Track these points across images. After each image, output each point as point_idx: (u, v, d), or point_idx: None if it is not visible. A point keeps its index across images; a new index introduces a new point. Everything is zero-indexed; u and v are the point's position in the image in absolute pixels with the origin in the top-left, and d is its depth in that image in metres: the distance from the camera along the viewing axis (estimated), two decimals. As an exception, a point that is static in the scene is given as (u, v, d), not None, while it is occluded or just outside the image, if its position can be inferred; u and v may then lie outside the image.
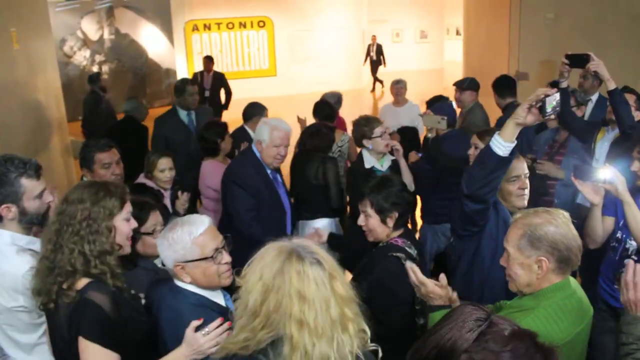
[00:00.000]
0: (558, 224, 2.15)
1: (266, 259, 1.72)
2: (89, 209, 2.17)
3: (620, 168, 2.93)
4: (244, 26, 18.12)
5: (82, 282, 2.13)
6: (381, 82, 18.43)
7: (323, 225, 4.39)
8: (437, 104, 5.14)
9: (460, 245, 2.96)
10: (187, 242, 2.18)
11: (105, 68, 15.49)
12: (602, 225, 3.16)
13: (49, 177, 6.25)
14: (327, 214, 4.61)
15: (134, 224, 2.36)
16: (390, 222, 2.85)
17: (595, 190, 2.98)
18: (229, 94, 10.28)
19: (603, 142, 4.54)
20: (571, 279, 2.24)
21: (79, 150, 3.62)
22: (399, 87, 6.92)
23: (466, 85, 5.60)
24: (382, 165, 4.29)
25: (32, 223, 2.49)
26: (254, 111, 5.59)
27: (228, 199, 3.85)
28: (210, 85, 10.11)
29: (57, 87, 8.29)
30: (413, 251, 2.81)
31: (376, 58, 18.76)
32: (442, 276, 2.33)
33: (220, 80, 10.29)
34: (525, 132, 3.23)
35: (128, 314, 2.17)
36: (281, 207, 4.03)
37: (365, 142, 4.23)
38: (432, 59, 22.59)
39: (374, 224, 2.87)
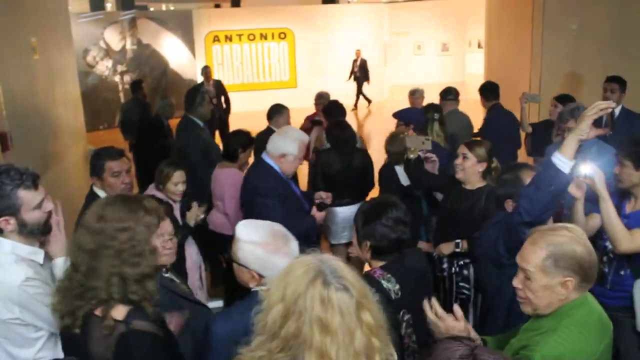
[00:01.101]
0: (580, 241, 2.06)
1: (290, 277, 1.59)
2: (133, 228, 1.98)
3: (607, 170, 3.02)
4: (265, 38, 18.19)
5: (120, 310, 1.94)
6: (368, 100, 17.69)
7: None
8: (404, 109, 5.16)
9: (501, 276, 2.73)
10: None
11: (126, 78, 15.62)
12: (585, 220, 3.15)
13: (65, 186, 6.29)
14: (355, 199, 4.87)
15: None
16: (365, 252, 2.64)
17: (577, 185, 3.00)
18: (228, 100, 10.95)
19: None
20: (587, 293, 2.14)
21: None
22: (415, 98, 6.87)
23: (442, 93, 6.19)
24: None
25: (32, 233, 2.42)
26: (276, 112, 5.80)
27: (259, 213, 3.64)
28: (213, 94, 10.49)
29: (76, 97, 8.36)
30: (392, 285, 2.51)
31: (360, 74, 17.47)
32: (457, 308, 2.21)
33: (219, 88, 10.84)
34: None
35: (169, 338, 2.05)
36: (304, 210, 4.00)
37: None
38: (453, 72, 22.40)
39: (354, 243, 2.73)
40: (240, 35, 17.93)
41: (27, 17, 6.05)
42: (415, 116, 5.03)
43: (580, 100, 6.86)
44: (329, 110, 5.77)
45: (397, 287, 2.52)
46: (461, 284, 3.68)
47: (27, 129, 5.57)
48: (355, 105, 17.43)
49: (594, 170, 2.92)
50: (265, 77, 18.44)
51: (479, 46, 22.78)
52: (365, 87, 17.64)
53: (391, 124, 5.39)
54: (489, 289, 2.97)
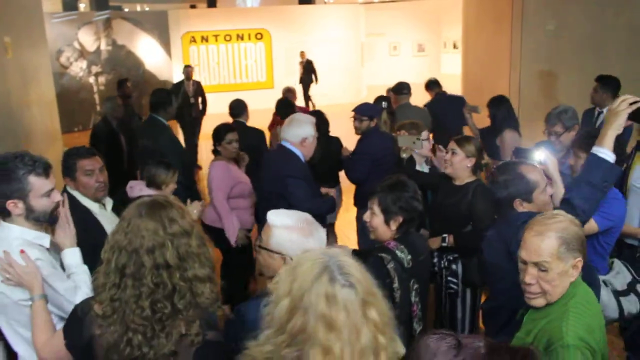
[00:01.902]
0: (575, 222, 2.18)
1: (298, 271, 1.57)
2: (163, 245, 1.86)
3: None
4: (242, 38, 18.11)
5: (190, 324, 1.88)
6: (312, 103, 16.75)
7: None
8: (363, 104, 5.27)
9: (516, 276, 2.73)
10: None
11: (101, 79, 15.43)
12: None
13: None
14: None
15: None
16: (394, 225, 2.80)
17: None
18: (205, 101, 10.96)
19: None
20: None
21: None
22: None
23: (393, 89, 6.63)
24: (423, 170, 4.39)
25: (38, 220, 2.50)
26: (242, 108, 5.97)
27: (292, 194, 3.85)
28: (192, 93, 10.72)
29: (51, 98, 8.21)
30: (405, 255, 2.71)
31: (305, 76, 16.68)
32: None
33: (198, 89, 10.92)
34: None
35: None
36: (319, 192, 4.21)
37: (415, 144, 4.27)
38: (429, 72, 22.45)
39: (378, 223, 2.83)
40: (216, 36, 17.83)
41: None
42: (375, 110, 5.17)
43: (559, 100, 7.00)
44: (277, 108, 6.11)
45: (409, 257, 2.72)
46: (449, 278, 3.71)
47: (0, 129, 5.45)
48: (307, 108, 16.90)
49: (547, 157, 3.09)
50: (242, 78, 18.36)
51: (454, 47, 23.02)
52: (344, 86, 17.64)
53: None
54: (497, 288, 2.95)
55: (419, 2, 23.95)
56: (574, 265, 2.14)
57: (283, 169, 3.96)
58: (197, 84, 11.03)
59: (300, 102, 7.61)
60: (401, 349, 1.64)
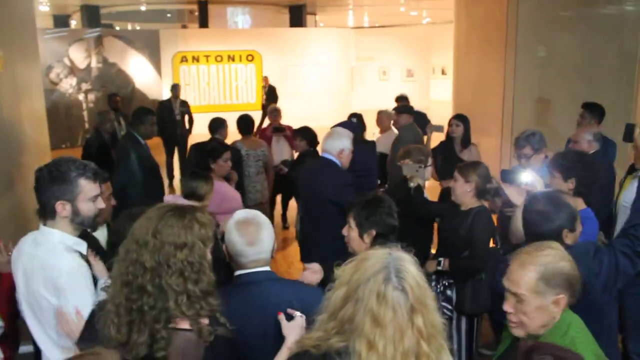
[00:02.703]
0: (565, 257, 2.13)
1: (362, 264, 1.70)
2: (191, 244, 1.95)
3: None
4: (233, 59, 18.17)
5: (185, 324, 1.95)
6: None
7: None
8: (341, 123, 5.56)
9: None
10: None
11: (91, 97, 15.37)
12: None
13: (31, 203, 6.06)
14: None
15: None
16: (367, 239, 2.95)
17: (519, 192, 3.31)
18: (191, 120, 11.28)
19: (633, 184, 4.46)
20: None
21: None
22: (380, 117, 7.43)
23: (401, 109, 6.72)
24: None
25: (82, 224, 2.53)
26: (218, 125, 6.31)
27: (348, 200, 3.81)
28: (178, 111, 11.03)
29: (41, 114, 8.15)
30: None
31: (267, 102, 15.70)
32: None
33: (184, 108, 11.20)
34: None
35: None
36: None
37: (420, 170, 4.35)
38: (418, 98, 22.66)
39: (353, 236, 3.00)
40: (207, 57, 17.87)
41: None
42: (352, 128, 5.29)
43: (551, 125, 7.07)
44: (238, 122, 6.41)
45: None
46: (443, 303, 3.68)
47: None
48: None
49: (534, 178, 3.25)
50: (232, 99, 18.37)
51: (443, 73, 23.27)
52: (333, 109, 17.64)
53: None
54: None
55: (409, 28, 24.23)
56: (555, 302, 2.09)
57: (338, 179, 4.21)
58: (183, 103, 11.30)
59: (317, 121, 7.77)
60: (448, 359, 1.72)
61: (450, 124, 5.93)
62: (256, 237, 2.34)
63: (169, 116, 10.75)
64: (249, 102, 18.38)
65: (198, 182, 4.08)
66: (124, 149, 5.36)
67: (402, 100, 9.85)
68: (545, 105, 7.16)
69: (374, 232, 2.93)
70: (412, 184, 4.30)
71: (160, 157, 6.40)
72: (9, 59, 6.27)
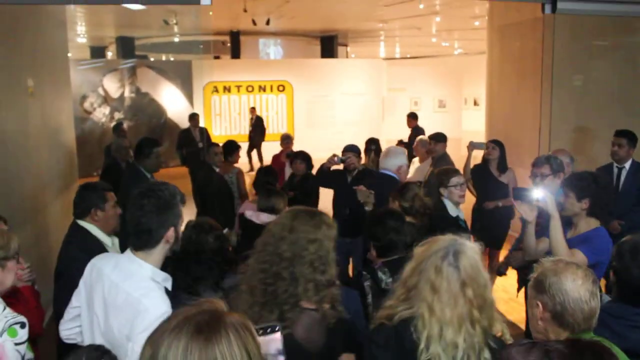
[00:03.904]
0: (567, 278, 2.12)
1: (431, 244, 2.11)
2: (320, 240, 2.28)
3: None
4: (264, 90, 18.26)
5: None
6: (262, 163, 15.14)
7: None
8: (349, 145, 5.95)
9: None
10: None
11: (125, 129, 15.56)
12: (535, 242, 3.62)
13: (56, 231, 6.04)
14: None
15: None
16: (371, 248, 3.40)
17: (530, 209, 3.47)
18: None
19: None
20: None
21: (78, 200, 3.49)
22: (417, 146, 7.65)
23: (432, 137, 6.88)
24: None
25: (172, 251, 2.47)
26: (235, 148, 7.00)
27: None
28: (199, 139, 11.29)
29: (71, 143, 8.20)
30: (386, 277, 3.15)
31: (254, 134, 15.62)
32: None
33: (204, 135, 11.45)
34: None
35: None
36: None
37: (441, 190, 4.47)
38: (450, 128, 22.44)
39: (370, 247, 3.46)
40: (238, 87, 18.00)
41: (24, 58, 5.93)
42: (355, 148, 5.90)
43: (589, 155, 6.87)
44: (224, 147, 6.91)
45: (390, 280, 3.08)
46: None
47: (15, 170, 5.37)
48: (251, 167, 15.15)
49: (545, 194, 3.38)
50: (263, 129, 18.41)
51: (475, 104, 23.06)
52: (363, 139, 17.59)
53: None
54: None
55: (440, 59, 24.15)
56: (536, 306, 2.17)
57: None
58: (202, 131, 11.57)
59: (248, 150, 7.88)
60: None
61: (487, 147, 6.14)
62: None
63: (191, 145, 10.97)
64: (279, 132, 18.39)
65: (276, 199, 4.39)
66: (126, 186, 5.04)
67: (413, 117, 11.91)
68: (583, 135, 6.97)
69: (371, 243, 3.38)
70: (367, 208, 4.70)
71: (187, 187, 6.32)
72: (39, 88, 6.32)
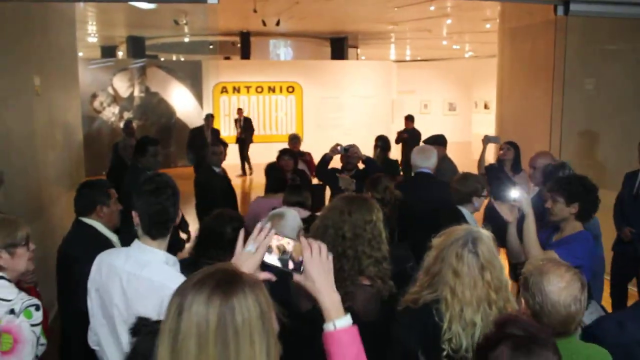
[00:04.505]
0: (550, 280, 2.17)
1: (450, 234, 2.32)
2: (375, 221, 2.59)
3: None
4: (273, 91, 18.24)
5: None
6: (250, 168, 15.26)
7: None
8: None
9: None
10: None
11: (134, 127, 15.59)
12: (518, 242, 3.63)
13: (61, 229, 6.02)
14: None
15: None
16: None
17: (510, 209, 3.60)
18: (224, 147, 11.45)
19: None
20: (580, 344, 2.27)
21: (81, 198, 3.52)
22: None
23: (432, 141, 6.42)
24: None
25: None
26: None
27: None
28: (210, 139, 11.21)
29: (78, 141, 8.19)
30: None
31: (244, 135, 15.24)
32: None
33: (216, 137, 11.37)
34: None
35: None
36: None
37: (474, 199, 4.33)
38: (460, 132, 22.41)
39: None
40: (248, 87, 17.99)
41: (30, 56, 5.91)
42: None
43: (599, 160, 6.78)
44: None
45: None
46: None
47: (21, 167, 5.35)
48: (243, 170, 15.23)
49: (521, 194, 3.52)
50: (272, 130, 18.39)
51: (485, 107, 22.96)
52: (372, 141, 17.54)
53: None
54: None
55: (450, 62, 24.08)
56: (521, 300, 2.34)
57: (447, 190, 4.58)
58: (215, 132, 11.62)
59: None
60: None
61: (501, 148, 6.07)
62: None
63: (201, 145, 10.86)
64: (288, 133, 18.34)
65: (306, 193, 4.59)
66: (127, 184, 5.10)
67: (410, 120, 12.22)
68: (593, 139, 6.88)
69: None
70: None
71: (191, 187, 6.26)
72: (46, 87, 6.30)
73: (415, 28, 16.09)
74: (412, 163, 5.16)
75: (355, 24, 16.47)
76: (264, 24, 14.80)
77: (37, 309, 2.51)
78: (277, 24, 14.68)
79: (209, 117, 11.98)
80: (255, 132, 17.78)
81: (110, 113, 15.36)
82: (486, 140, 6.34)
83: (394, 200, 4.43)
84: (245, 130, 15.33)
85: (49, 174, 6.41)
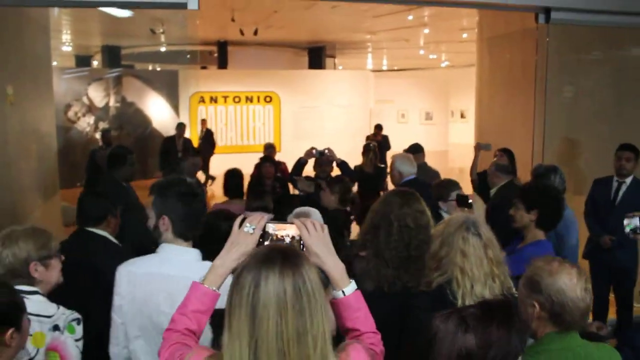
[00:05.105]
0: (562, 278, 2.17)
1: (450, 223, 2.63)
2: (425, 210, 3.03)
3: None
4: (251, 100, 18.13)
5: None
6: (211, 177, 14.24)
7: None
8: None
9: None
10: None
11: (112, 136, 15.35)
12: None
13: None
14: None
15: None
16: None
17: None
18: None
19: None
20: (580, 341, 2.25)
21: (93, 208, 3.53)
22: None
23: (412, 150, 6.79)
24: None
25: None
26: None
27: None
28: (181, 149, 11.33)
29: (53, 152, 8.01)
30: None
31: (204, 147, 14.66)
32: None
33: (187, 146, 11.52)
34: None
35: None
36: None
37: (440, 203, 4.47)
38: (437, 141, 22.51)
39: None
40: (225, 97, 17.85)
41: (3, 64, 5.76)
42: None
43: (578, 166, 6.81)
44: None
45: None
46: None
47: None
48: (205, 182, 14.13)
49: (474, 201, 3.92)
50: (250, 140, 18.25)
51: (462, 116, 23.13)
52: (350, 151, 17.49)
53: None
54: None
55: (427, 71, 24.25)
56: (531, 306, 2.25)
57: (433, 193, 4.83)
58: (186, 141, 11.67)
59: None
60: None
61: (495, 155, 6.13)
62: None
63: (172, 154, 11.02)
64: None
65: (268, 198, 4.69)
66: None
67: (379, 128, 13.08)
68: (574, 146, 6.96)
69: None
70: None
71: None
72: (20, 96, 6.15)
73: (393, 37, 16.15)
74: (398, 171, 5.30)
75: (332, 34, 16.49)
76: (242, 33, 14.72)
77: (79, 323, 2.48)
78: (255, 33, 14.61)
79: (181, 127, 12.04)
80: (233, 142, 17.70)
81: (85, 123, 15.10)
82: (478, 147, 6.40)
83: (352, 200, 5.29)
84: (205, 142, 14.91)
85: (23, 185, 6.24)
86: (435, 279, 2.55)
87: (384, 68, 26.24)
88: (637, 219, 3.57)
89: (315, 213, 3.54)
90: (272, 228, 1.88)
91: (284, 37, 17.28)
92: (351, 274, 2.71)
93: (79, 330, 2.46)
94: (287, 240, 1.85)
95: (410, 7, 11.10)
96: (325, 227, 1.88)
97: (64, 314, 2.45)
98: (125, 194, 5.07)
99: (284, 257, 1.54)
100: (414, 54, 20.27)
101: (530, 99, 6.77)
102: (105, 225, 3.48)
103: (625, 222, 3.59)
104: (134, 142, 15.32)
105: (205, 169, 14.51)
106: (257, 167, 7.73)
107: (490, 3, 5.23)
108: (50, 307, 2.46)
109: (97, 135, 15.16)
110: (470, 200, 4.35)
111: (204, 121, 15.76)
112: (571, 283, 2.16)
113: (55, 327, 2.41)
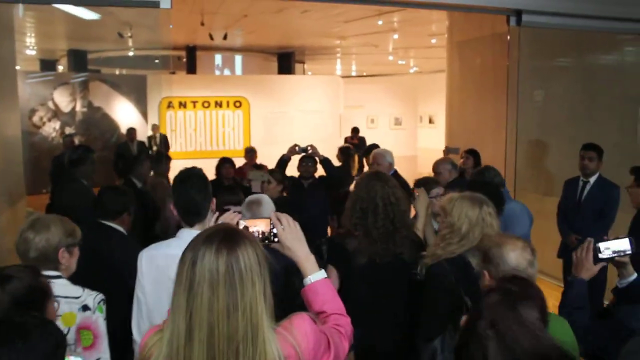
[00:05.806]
0: (508, 248, 2.43)
1: (465, 204, 3.10)
2: (392, 189, 3.47)
3: None
4: (220, 105, 17.96)
5: None
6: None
7: None
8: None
9: None
10: None
11: (74, 141, 15.03)
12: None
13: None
14: None
15: None
16: None
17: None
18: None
19: None
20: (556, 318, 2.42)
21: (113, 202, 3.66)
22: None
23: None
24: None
25: None
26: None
27: None
28: (136, 152, 11.41)
29: (18, 157, 7.81)
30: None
31: (156, 155, 13.88)
32: None
33: (142, 149, 11.65)
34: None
35: None
36: None
37: None
38: (406, 146, 22.67)
39: None
40: (194, 102, 17.65)
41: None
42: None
43: (548, 168, 6.91)
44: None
45: None
46: None
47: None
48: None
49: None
50: (219, 145, 18.06)
51: (430, 122, 23.34)
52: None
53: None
54: None
55: (396, 77, 24.41)
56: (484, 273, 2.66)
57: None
58: (140, 144, 11.89)
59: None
60: None
61: (461, 156, 6.30)
62: None
63: (126, 158, 10.98)
64: (235, 149, 18.11)
65: (240, 192, 4.71)
66: (69, 197, 5.12)
67: (356, 132, 13.77)
68: (544, 149, 7.05)
69: None
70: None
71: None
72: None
73: (362, 43, 16.22)
74: (388, 162, 5.83)
75: (302, 39, 16.48)
76: (211, 37, 14.59)
77: (104, 302, 2.65)
78: (225, 37, 14.50)
79: (131, 131, 12.26)
80: (203, 148, 17.49)
81: (51, 128, 14.77)
82: (447, 151, 6.50)
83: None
84: (162, 147, 14.53)
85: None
86: (451, 249, 3.01)
87: (353, 74, 26.34)
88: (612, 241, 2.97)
89: (264, 198, 3.73)
90: (243, 225, 2.05)
91: (254, 43, 17.21)
92: (340, 254, 3.41)
93: (104, 309, 2.65)
94: (258, 235, 2.02)
95: (381, 12, 11.14)
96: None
97: (91, 295, 2.62)
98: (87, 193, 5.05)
99: (223, 236, 1.67)
100: (383, 60, 20.39)
101: (502, 103, 6.85)
102: (121, 221, 3.63)
103: (602, 248, 3.00)
104: (102, 147, 15.01)
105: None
106: (217, 168, 8.02)
107: (462, 5, 5.26)
108: (76, 289, 2.63)
109: (62, 140, 14.87)
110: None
111: (157, 126, 15.45)
112: (514, 253, 2.40)
113: (85, 307, 2.58)
